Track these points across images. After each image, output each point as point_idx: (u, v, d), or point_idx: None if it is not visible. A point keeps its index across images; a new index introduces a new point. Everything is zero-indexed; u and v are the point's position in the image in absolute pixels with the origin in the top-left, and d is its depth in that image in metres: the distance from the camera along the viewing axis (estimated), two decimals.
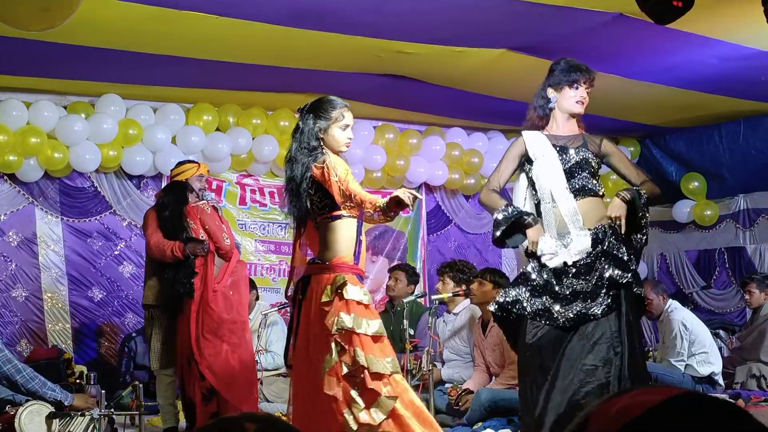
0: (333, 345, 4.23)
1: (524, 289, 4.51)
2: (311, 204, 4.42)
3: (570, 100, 4.72)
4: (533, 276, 4.53)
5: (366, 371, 4.19)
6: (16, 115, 7.37)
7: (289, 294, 4.72)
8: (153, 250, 6.18)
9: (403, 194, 4.07)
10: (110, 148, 7.72)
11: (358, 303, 4.27)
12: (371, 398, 4.21)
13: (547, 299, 4.46)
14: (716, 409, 0.96)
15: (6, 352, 5.22)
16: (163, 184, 8.19)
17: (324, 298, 4.28)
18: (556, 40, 6.52)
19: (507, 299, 4.54)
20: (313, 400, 4.32)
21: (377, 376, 4.21)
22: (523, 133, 4.75)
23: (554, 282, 4.47)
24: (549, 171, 4.62)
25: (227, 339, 6.07)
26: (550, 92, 4.73)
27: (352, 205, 4.30)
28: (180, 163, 6.60)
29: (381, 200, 4.22)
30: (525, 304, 4.48)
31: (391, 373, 4.25)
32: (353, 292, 4.28)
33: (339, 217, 4.37)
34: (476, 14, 5.99)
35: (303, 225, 4.59)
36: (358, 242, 4.44)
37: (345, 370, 4.21)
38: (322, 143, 4.42)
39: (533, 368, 4.47)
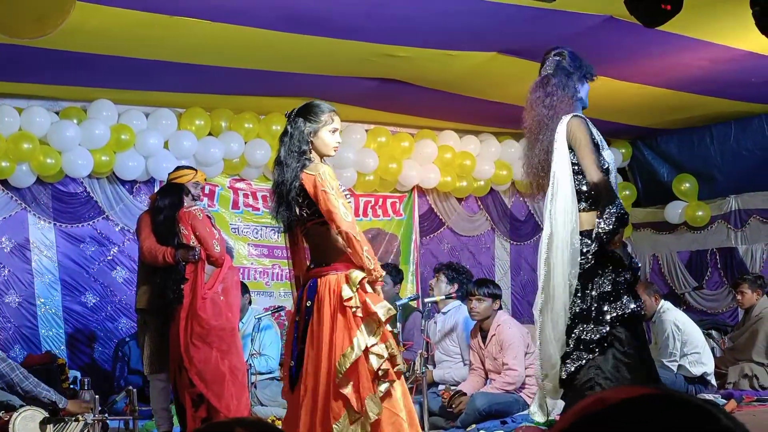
0: (356, 340, 4.19)
1: (630, 296, 4.40)
2: (300, 210, 4.39)
3: (587, 94, 4.65)
4: (628, 275, 4.44)
5: (393, 362, 4.22)
6: (8, 121, 7.37)
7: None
8: (145, 255, 6.18)
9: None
10: (102, 154, 7.72)
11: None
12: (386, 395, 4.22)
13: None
14: (674, 411, 0.91)
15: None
16: (156, 189, 8.20)
17: (345, 295, 4.23)
18: (547, 43, 6.52)
19: (631, 310, 4.38)
20: (315, 407, 4.29)
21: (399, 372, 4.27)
22: (583, 116, 4.52)
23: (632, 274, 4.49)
24: (613, 164, 4.56)
25: (216, 345, 6.04)
26: (578, 83, 4.58)
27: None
28: (178, 168, 6.61)
29: (368, 265, 4.24)
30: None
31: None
32: (369, 287, 4.30)
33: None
34: (466, 18, 6.01)
35: (292, 231, 4.59)
36: None
37: (375, 364, 4.17)
38: (311, 147, 4.43)
39: (641, 365, 4.44)
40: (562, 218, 4.39)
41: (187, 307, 5.99)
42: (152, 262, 6.11)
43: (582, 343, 4.33)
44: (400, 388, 4.29)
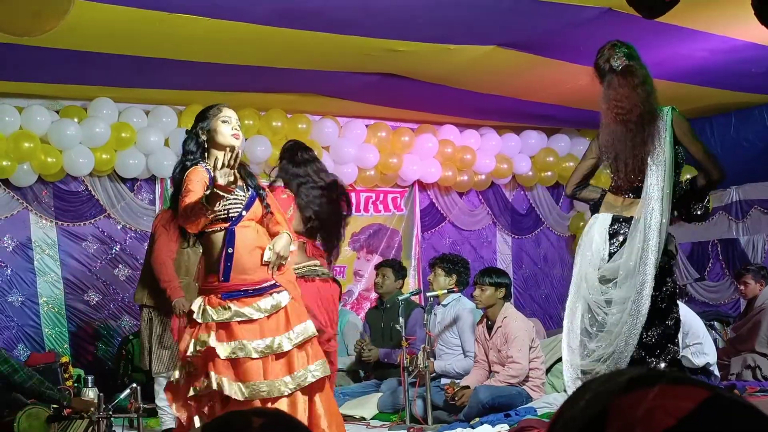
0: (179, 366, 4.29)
1: None
2: None
3: None
4: None
5: (218, 396, 4.16)
6: (9, 121, 7.37)
7: None
8: (153, 262, 6.11)
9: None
10: (103, 152, 7.72)
11: (210, 324, 4.25)
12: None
13: None
14: (749, 416, 0.91)
15: (2, 352, 5.23)
16: (157, 187, 8.20)
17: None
18: (546, 35, 6.54)
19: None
20: None
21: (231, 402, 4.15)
22: None
23: None
24: None
25: None
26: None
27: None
28: None
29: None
30: None
31: (244, 399, 4.12)
32: (206, 314, 4.26)
33: (202, 232, 4.32)
34: (465, 11, 6.01)
35: None
36: (225, 255, 4.23)
37: (192, 392, 4.18)
38: (206, 145, 4.40)
39: None
40: (668, 208, 4.64)
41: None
42: (156, 273, 6.06)
43: (667, 331, 4.64)
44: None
